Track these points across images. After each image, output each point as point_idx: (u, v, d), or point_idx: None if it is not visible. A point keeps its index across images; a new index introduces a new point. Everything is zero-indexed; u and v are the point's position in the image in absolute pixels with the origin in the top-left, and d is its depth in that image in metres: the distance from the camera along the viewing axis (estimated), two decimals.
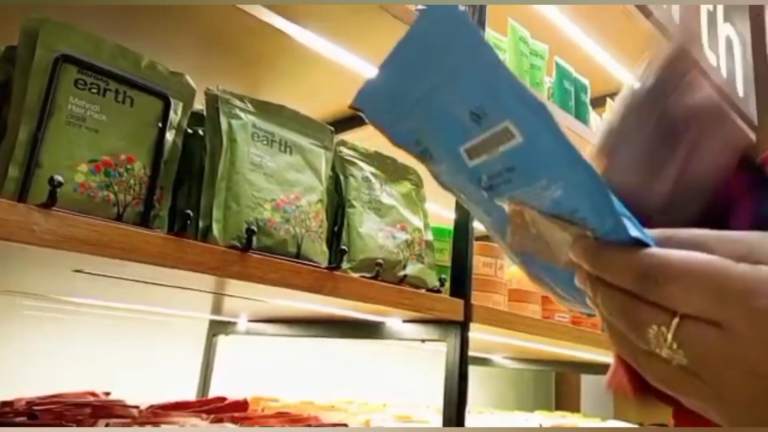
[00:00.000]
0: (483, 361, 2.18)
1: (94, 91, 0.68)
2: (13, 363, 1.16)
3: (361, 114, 0.32)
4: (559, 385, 2.87)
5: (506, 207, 0.32)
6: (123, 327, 1.34)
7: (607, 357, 1.73)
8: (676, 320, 0.27)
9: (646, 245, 0.28)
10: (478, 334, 1.24)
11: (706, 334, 0.26)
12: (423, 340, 1.03)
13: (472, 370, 2.07)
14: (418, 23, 0.29)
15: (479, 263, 1.18)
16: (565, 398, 2.78)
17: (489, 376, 2.37)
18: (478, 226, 1.11)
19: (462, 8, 0.26)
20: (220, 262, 0.67)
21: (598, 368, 2.09)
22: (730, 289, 0.26)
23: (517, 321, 1.15)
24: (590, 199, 0.28)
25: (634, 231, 0.28)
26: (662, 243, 0.29)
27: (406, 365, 1.94)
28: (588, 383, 2.74)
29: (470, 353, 1.98)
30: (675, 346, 0.27)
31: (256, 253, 0.72)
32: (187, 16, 0.94)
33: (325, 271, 0.78)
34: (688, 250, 0.28)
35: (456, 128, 0.29)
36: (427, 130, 0.31)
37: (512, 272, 1.45)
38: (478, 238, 1.13)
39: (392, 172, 0.99)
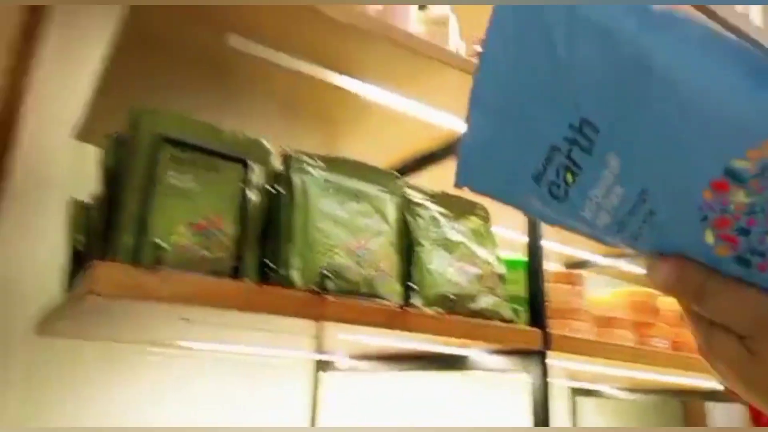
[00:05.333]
0: (594, 393, 2.11)
1: (187, 164, 0.80)
2: (126, 406, 1.29)
3: None
4: (689, 416, 2.68)
5: None
6: (232, 368, 1.46)
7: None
8: None
9: None
10: (580, 364, 1.23)
11: None
12: (504, 371, 1.04)
13: (584, 402, 2.02)
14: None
15: (558, 291, 1.18)
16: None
17: (605, 408, 2.28)
18: (550, 248, 1.11)
19: None
20: (299, 306, 0.75)
21: (724, 396, 1.95)
22: None
23: (602, 348, 1.13)
24: None
25: None
26: None
27: (500, 395, 1.92)
28: (718, 412, 2.54)
29: (579, 385, 1.94)
30: None
31: (332, 295, 0.79)
32: (269, 85, 1.06)
33: (397, 308, 0.84)
34: None
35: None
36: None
37: (597, 299, 1.43)
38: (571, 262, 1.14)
39: (459, 209, 1.04)
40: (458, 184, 0.31)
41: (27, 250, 1.24)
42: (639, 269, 2.23)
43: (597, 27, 0.26)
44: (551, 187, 0.29)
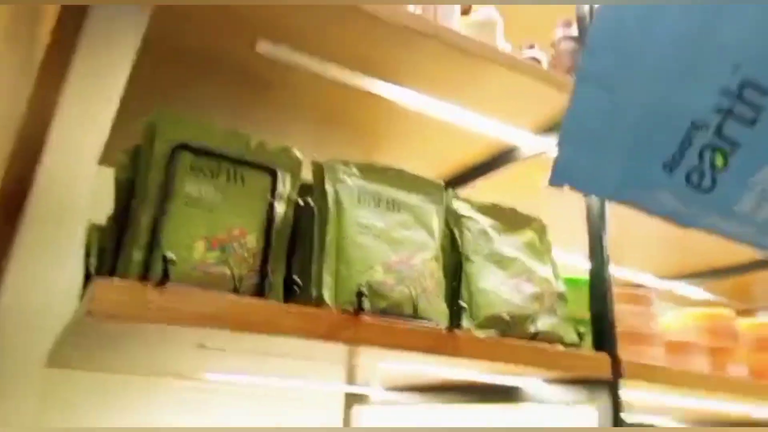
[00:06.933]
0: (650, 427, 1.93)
1: (208, 173, 0.72)
2: None
3: None
4: None
5: None
6: (254, 403, 1.36)
7: None
8: None
9: None
10: (655, 395, 1.09)
11: None
12: (568, 403, 0.92)
13: None
14: None
15: (626, 314, 1.05)
16: None
17: None
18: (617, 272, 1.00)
19: None
20: (330, 328, 0.65)
21: None
22: None
23: (679, 377, 0.99)
24: None
25: None
26: None
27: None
28: None
29: (633, 419, 1.76)
30: None
31: (369, 316, 0.69)
32: (303, 95, 0.98)
33: (444, 331, 0.73)
34: None
35: None
36: None
37: (669, 323, 1.29)
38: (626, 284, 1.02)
39: (512, 222, 0.93)
40: (554, 182, 0.24)
41: (46, 278, 1.18)
42: (702, 294, 2.06)
43: None
44: (691, 174, 0.22)
